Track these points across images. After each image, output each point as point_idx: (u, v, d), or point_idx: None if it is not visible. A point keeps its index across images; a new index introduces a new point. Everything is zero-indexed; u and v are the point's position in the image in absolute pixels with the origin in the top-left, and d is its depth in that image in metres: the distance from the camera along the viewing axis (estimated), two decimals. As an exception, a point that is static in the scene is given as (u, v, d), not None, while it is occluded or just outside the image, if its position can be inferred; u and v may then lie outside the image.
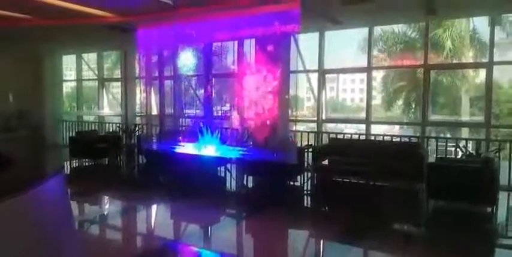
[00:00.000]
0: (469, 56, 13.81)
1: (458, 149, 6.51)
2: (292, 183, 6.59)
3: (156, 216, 5.49)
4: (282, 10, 5.93)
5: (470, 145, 7.16)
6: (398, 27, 14.83)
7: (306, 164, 6.76)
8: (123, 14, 6.95)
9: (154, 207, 5.83)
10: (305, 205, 6.20)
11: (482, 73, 7.81)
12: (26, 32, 8.02)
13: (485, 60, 7.68)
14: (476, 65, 12.05)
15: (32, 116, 10.22)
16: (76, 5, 6.33)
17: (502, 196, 5.49)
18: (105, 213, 5.56)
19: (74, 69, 12.09)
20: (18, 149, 8.70)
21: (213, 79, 7.13)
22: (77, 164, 8.70)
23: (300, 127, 8.18)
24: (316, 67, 7.86)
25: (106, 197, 6.24)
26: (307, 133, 7.72)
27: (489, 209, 5.12)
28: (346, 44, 13.62)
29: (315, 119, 8.06)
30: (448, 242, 4.09)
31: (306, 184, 6.65)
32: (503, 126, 10.50)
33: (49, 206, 1.94)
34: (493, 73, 6.51)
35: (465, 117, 13.86)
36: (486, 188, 4.89)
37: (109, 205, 6.02)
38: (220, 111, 7.04)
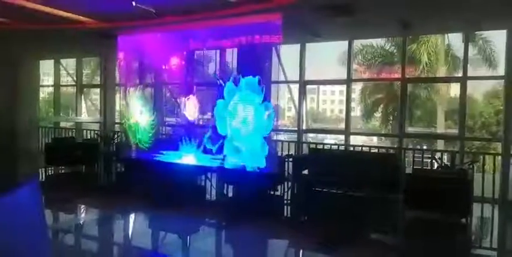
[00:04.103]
0: (443, 71, 14.27)
1: (434, 161, 6.67)
2: (272, 192, 6.59)
3: (133, 226, 5.38)
4: (264, 21, 6.01)
5: (445, 157, 7.35)
6: (377, 41, 15.24)
7: (286, 174, 6.78)
8: (104, 20, 6.89)
9: (131, 216, 5.72)
10: (285, 214, 6.20)
11: (457, 87, 8.08)
12: (2, 35, 7.84)
13: (459, 75, 7.95)
14: (450, 80, 12.43)
15: (6, 121, 9.92)
16: (56, 9, 6.25)
17: (476, 207, 5.63)
18: (80, 222, 5.41)
19: (52, 75, 11.85)
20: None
21: (195, 87, 7.12)
22: (52, 172, 8.47)
23: (281, 137, 8.23)
24: (297, 78, 7.96)
25: (81, 206, 6.08)
26: (287, 143, 7.76)
27: (463, 220, 5.24)
28: (326, 56, 13.89)
29: (296, 129, 8.13)
30: (423, 251, 4.17)
31: (286, 193, 6.66)
32: (477, 138, 10.86)
33: (22, 214, 1.88)
34: (467, 88, 6.74)
35: (440, 130, 14.25)
36: (460, 199, 5.02)
37: (84, 214, 5.86)
38: (201, 120, 7.00)
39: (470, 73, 6.85)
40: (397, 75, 7.95)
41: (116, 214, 5.63)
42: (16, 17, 6.83)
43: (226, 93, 6.36)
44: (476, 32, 10.00)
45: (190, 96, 6.95)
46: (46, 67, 12.06)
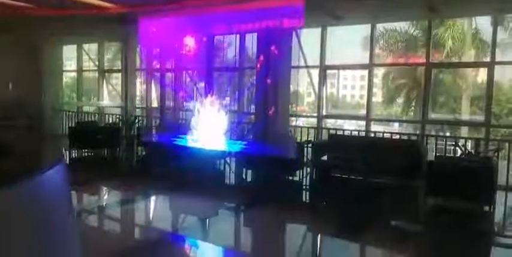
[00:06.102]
0: (470, 55, 13.77)
1: (457, 148, 6.52)
2: (291, 178, 6.61)
3: (154, 208, 5.50)
4: (286, 4, 5.91)
5: (469, 144, 7.17)
6: (400, 25, 14.77)
7: (305, 160, 6.76)
8: (125, 4, 6.91)
9: (152, 199, 5.85)
10: (303, 199, 6.22)
11: (483, 72, 7.79)
12: (27, 21, 7.97)
13: (487, 59, 7.67)
14: (477, 65, 12.00)
15: (31, 105, 10.19)
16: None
17: (500, 196, 5.50)
18: (103, 204, 5.57)
19: (75, 60, 12.02)
20: (17, 138, 8.70)
21: (214, 72, 7.12)
22: (76, 155, 8.70)
23: (300, 122, 8.18)
24: (317, 63, 7.83)
25: (104, 188, 6.24)
26: (307, 129, 7.71)
27: (487, 208, 5.14)
28: (348, 40, 13.55)
29: (315, 114, 8.05)
30: (444, 239, 4.12)
31: (304, 179, 6.66)
32: (503, 126, 10.53)
33: (49, 196, 1.94)
34: (494, 73, 6.49)
35: (465, 116, 13.87)
36: (484, 187, 4.91)
37: (107, 196, 6.02)
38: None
39: (499, 57, 6.59)
40: (421, 60, 7.72)
41: (137, 196, 5.76)
42: (40, 2, 6.91)
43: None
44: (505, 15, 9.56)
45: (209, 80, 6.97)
46: (69, 52, 12.21)
